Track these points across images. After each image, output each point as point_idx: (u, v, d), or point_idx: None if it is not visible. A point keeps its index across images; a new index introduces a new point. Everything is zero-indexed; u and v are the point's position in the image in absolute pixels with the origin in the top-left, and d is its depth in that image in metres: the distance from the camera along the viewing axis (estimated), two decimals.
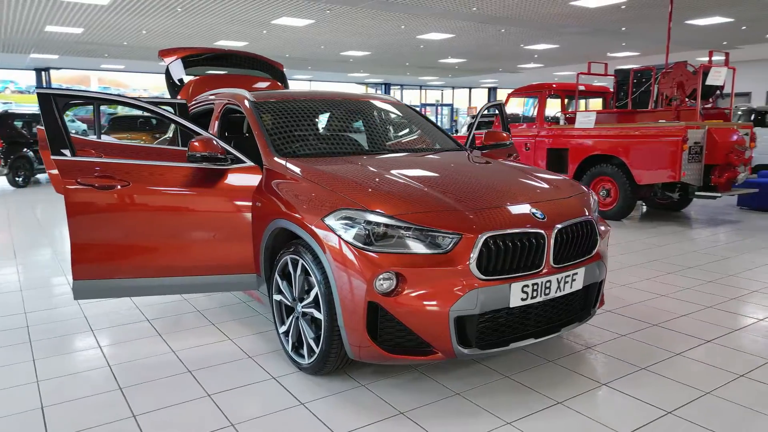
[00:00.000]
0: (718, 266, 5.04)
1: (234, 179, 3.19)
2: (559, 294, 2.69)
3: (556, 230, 2.65)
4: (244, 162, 3.25)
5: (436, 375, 2.85)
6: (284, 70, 6.24)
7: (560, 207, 2.81)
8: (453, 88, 34.65)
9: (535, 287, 2.58)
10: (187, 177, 3.14)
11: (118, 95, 3.21)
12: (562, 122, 8.98)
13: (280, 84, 6.01)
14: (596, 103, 10.42)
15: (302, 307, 2.81)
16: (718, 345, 3.23)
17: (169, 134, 5.67)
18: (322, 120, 3.99)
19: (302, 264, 2.76)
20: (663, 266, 5.06)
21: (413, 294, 2.40)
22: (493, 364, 2.98)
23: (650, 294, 4.23)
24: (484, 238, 2.45)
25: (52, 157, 2.99)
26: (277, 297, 3.06)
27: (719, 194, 7.26)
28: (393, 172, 3.02)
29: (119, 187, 3.05)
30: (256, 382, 2.80)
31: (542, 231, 2.60)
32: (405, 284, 2.40)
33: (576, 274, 2.76)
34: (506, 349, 2.58)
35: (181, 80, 5.50)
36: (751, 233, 6.68)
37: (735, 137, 7.39)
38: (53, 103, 3.04)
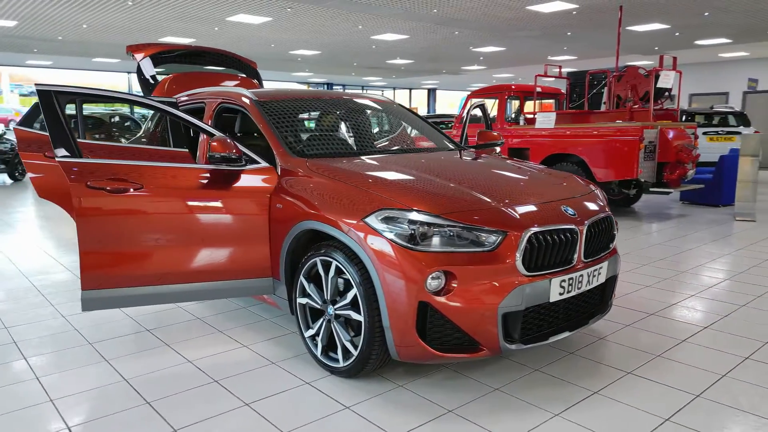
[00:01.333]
0: (687, 257, 5.38)
1: (249, 180, 3.09)
2: (588, 288, 2.79)
3: (586, 226, 2.75)
4: (259, 163, 3.16)
5: (468, 372, 2.88)
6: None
7: (585, 203, 2.92)
8: (394, 88, 34.89)
9: (571, 282, 2.67)
10: (201, 179, 3.01)
11: (127, 94, 3.03)
12: (522, 122, 9.27)
13: (255, 83, 5.86)
14: (548, 105, 10.81)
15: (336, 309, 2.77)
16: (716, 330, 3.45)
17: (143, 133, 5.40)
18: (331, 119, 3.93)
19: (336, 266, 2.72)
20: (636, 259, 5.34)
21: (463, 292, 2.42)
22: (519, 358, 3.05)
23: (635, 285, 4.45)
24: (528, 234, 2.51)
25: (58, 159, 2.79)
26: (302, 300, 2.99)
27: (671, 190, 7.74)
28: (419, 170, 3.03)
29: (132, 190, 2.88)
30: (291, 388, 2.73)
31: (575, 227, 2.69)
32: (454, 282, 2.42)
33: (601, 268, 2.87)
34: (545, 343, 2.65)
35: (154, 77, 5.25)
36: (704, 226, 7.15)
37: (684, 136, 7.90)
38: (55, 100, 2.83)
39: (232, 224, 3.06)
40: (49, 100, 2.82)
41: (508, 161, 3.59)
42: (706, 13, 10.22)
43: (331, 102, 3.94)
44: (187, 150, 3.96)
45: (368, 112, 4.05)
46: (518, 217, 2.57)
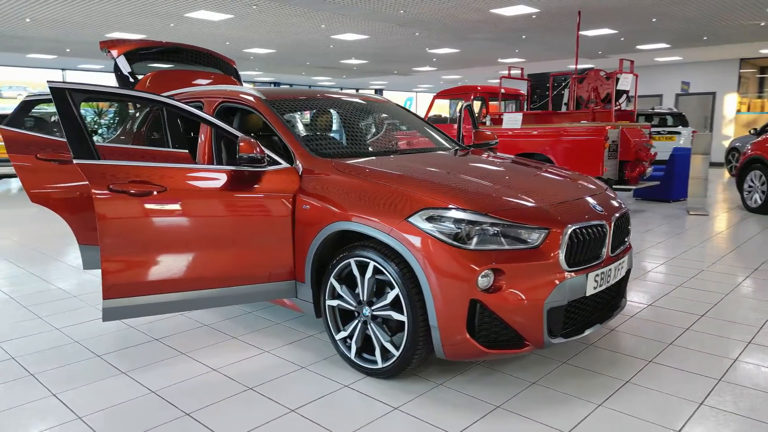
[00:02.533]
0: (661, 250, 5.67)
1: (271, 182, 3.02)
2: (614, 281, 2.91)
3: (614, 221, 2.86)
4: (280, 164, 3.09)
5: (500, 368, 2.93)
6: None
7: (607, 200, 3.04)
8: (341, 88, 34.80)
9: (602, 276, 2.77)
10: (223, 180, 2.91)
11: (146, 93, 2.88)
12: (488, 123, 9.48)
13: (236, 81, 5.71)
14: (494, 106, 11.09)
15: (374, 310, 2.75)
16: (712, 318, 3.67)
17: (121, 133, 5.14)
18: (343, 119, 3.89)
19: (374, 266, 2.70)
20: None
21: (512, 289, 2.46)
22: (543, 352, 3.13)
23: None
24: (570, 231, 2.59)
25: (76, 161, 2.62)
26: (332, 303, 2.95)
27: (633, 187, 8.15)
28: (447, 170, 3.05)
29: (155, 193, 2.75)
30: (331, 392, 2.69)
31: (605, 222, 2.79)
32: (503, 280, 2.46)
33: (623, 262, 2.99)
34: (582, 336, 2.73)
35: (133, 75, 5.01)
36: (664, 220, 7.56)
37: (642, 136, 8.33)
38: (69, 99, 2.66)
39: (256, 227, 2.97)
40: (64, 98, 2.64)
41: (522, 160, 3.67)
42: (654, 19, 10.80)
43: (340, 102, 3.90)
44: (187, 151, 3.82)
45: (375, 112, 4.04)
46: (558, 214, 2.64)
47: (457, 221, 2.50)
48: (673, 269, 4.91)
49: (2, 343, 3.33)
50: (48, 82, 2.66)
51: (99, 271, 4.91)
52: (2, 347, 3.27)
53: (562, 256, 2.55)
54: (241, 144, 2.87)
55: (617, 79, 8.20)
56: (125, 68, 5.04)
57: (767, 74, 22.88)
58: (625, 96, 8.67)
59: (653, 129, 14.28)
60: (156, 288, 2.79)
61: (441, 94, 9.73)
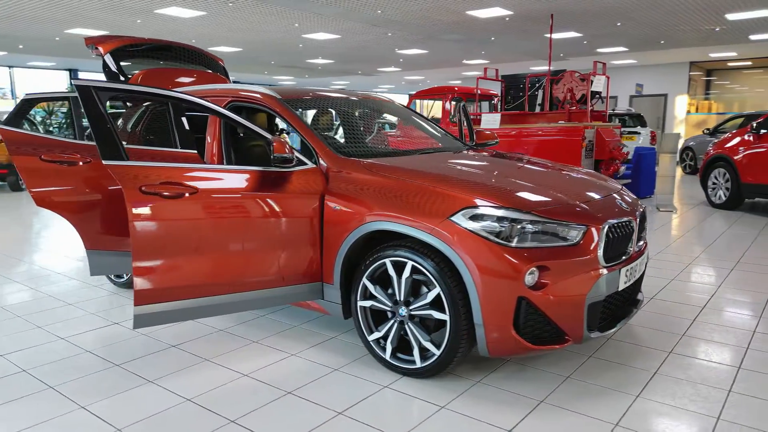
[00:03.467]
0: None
1: (298, 182, 2.98)
2: (638, 276, 3.01)
3: (638, 218, 2.96)
4: (306, 164, 3.05)
5: (532, 364, 2.98)
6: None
7: (627, 198, 3.14)
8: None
9: (630, 271, 2.86)
10: (252, 181, 2.85)
11: (174, 92, 2.79)
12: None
13: (226, 79, 5.59)
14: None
15: (412, 309, 2.75)
16: (713, 309, 3.84)
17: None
18: (360, 119, 3.86)
19: (412, 265, 2.70)
20: None
21: (556, 285, 2.51)
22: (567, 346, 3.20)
23: None
24: (607, 227, 2.66)
25: (105, 162, 2.51)
26: (365, 303, 2.93)
27: None
28: (478, 169, 3.08)
29: (187, 195, 2.67)
30: (373, 393, 2.67)
31: (632, 219, 2.89)
32: (548, 276, 2.50)
33: (644, 257, 3.10)
34: (614, 330, 2.81)
35: (123, 72, 4.83)
36: None
37: (614, 136, 8.62)
38: (96, 97, 2.55)
39: (285, 228, 2.93)
40: (90, 97, 2.53)
41: (541, 160, 3.74)
42: (619, 24, 11.20)
43: (353, 101, 3.88)
44: (195, 152, 3.71)
45: (385, 111, 4.03)
46: (594, 211, 2.72)
47: (500, 219, 2.53)
48: (662, 263, 5.11)
49: (7, 356, 3.15)
50: (73, 80, 2.54)
51: (90, 276, 4.71)
52: (9, 360, 3.10)
53: (600, 252, 2.62)
54: (275, 144, 2.82)
55: (591, 81, 8.46)
56: (113, 66, 4.85)
57: (713, 77, 24.07)
58: (598, 97, 8.96)
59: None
60: (189, 292, 2.71)
61: (419, 95, 9.79)
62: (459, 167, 3.10)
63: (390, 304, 2.84)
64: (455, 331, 2.60)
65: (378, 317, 2.96)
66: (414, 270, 2.70)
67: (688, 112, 21.51)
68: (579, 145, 7.90)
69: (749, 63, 22.25)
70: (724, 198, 8.67)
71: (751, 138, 8.20)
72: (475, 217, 2.54)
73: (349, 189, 2.94)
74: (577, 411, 2.48)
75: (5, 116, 3.45)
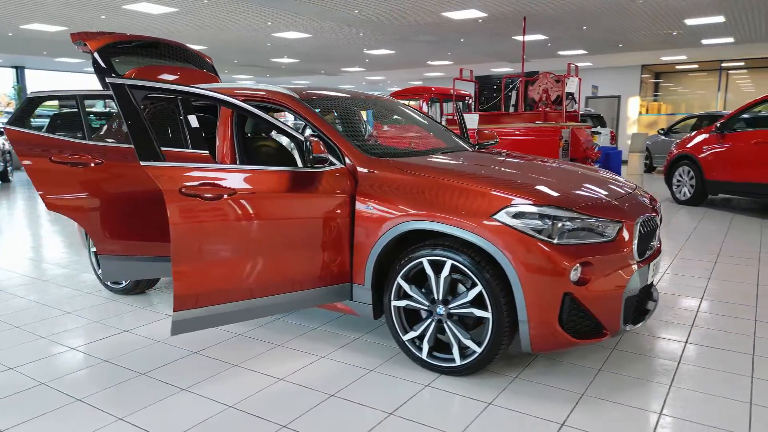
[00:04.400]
0: None
1: (330, 182, 2.95)
2: (658, 271, 3.13)
3: (659, 213, 3.08)
4: (335, 164, 3.02)
5: (561, 358, 3.05)
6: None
7: (645, 195, 3.25)
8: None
9: (656, 265, 2.97)
10: (286, 182, 2.81)
11: (210, 90, 2.70)
12: (443, 123, 9.70)
13: (217, 78, 5.46)
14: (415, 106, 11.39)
15: (451, 308, 2.76)
16: (711, 300, 4.03)
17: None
18: (377, 119, 3.84)
19: (452, 264, 2.72)
20: None
21: (597, 280, 2.58)
22: None
23: None
24: (639, 223, 2.75)
25: (144, 163, 2.42)
26: (399, 303, 2.93)
27: None
28: (508, 168, 3.13)
29: (225, 196, 2.60)
30: (416, 392, 2.67)
31: (655, 215, 3.00)
32: (590, 272, 2.57)
33: (662, 253, 3.23)
34: (643, 323, 2.91)
35: (113, 69, 4.64)
36: None
37: (586, 135, 8.92)
38: (131, 96, 2.45)
39: (317, 229, 2.90)
40: (126, 95, 2.43)
41: (556, 160, 3.83)
42: (585, 27, 11.56)
43: (368, 102, 3.87)
44: (207, 152, 3.61)
45: (397, 112, 4.03)
46: (626, 207, 2.81)
47: (542, 217, 2.58)
48: None
49: (18, 369, 2.99)
50: (107, 78, 2.43)
51: (80, 282, 4.51)
52: (21, 373, 2.93)
53: (635, 247, 2.72)
54: (313, 144, 2.78)
55: (566, 83, 8.71)
56: (102, 63, 4.66)
57: (661, 79, 25.18)
58: (571, 98, 9.22)
59: None
60: (227, 296, 2.64)
61: (396, 95, 9.82)
62: (487, 166, 3.14)
63: (427, 304, 2.85)
64: (497, 329, 2.64)
65: (409, 317, 2.96)
66: (452, 269, 2.72)
67: (640, 113, 22.43)
68: (557, 145, 8.12)
69: (695, 66, 23.40)
70: (688, 195, 9.08)
71: (715, 137, 8.62)
72: (518, 215, 2.59)
73: (382, 189, 2.93)
74: (619, 402, 2.56)
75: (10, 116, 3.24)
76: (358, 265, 3.02)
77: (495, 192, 2.68)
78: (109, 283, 4.24)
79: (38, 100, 3.39)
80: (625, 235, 2.70)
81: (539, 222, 2.57)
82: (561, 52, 16.54)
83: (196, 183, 2.52)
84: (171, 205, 2.44)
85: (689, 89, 24.85)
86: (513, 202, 2.61)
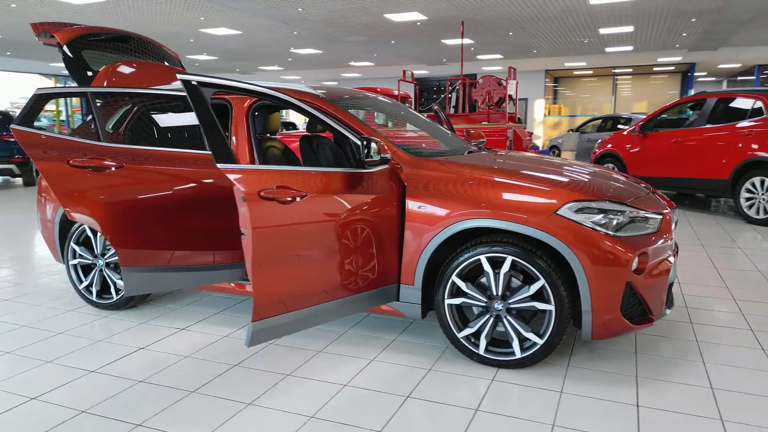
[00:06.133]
0: None
1: (380, 183, 2.94)
2: None
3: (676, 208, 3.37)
4: (383, 164, 3.00)
5: (597, 344, 3.24)
6: None
7: (657, 192, 3.54)
8: None
9: (677, 256, 3.25)
10: (345, 183, 2.76)
11: (280, 89, 2.56)
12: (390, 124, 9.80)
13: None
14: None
15: (511, 303, 2.84)
16: (691, 296, 4.46)
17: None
18: (403, 119, 3.82)
19: (512, 260, 2.80)
20: None
21: (651, 269, 2.78)
22: None
23: None
24: (673, 215, 3.00)
25: (220, 166, 2.27)
26: (454, 301, 2.96)
27: None
28: (546, 165, 3.27)
29: (298, 199, 2.50)
30: (488, 387, 2.72)
31: (675, 209, 3.28)
32: (645, 261, 2.76)
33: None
34: (673, 310, 3.16)
35: (86, 64, 4.24)
36: None
37: (526, 135, 9.42)
38: (203, 95, 2.29)
39: (375, 230, 2.87)
40: (198, 94, 2.26)
41: (565, 159, 4.02)
42: (511, 33, 12.18)
43: (386, 103, 3.86)
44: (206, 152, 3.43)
45: (406, 113, 4.05)
46: (658, 202, 3.04)
47: (601, 211, 2.73)
48: None
49: (40, 398, 2.66)
50: (177, 74, 2.25)
51: (54, 299, 4.08)
52: (47, 402, 2.62)
53: (673, 237, 2.96)
54: (380, 144, 2.74)
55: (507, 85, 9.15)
56: (73, 57, 4.24)
57: (559, 84, 27.09)
58: (509, 100, 9.69)
59: None
60: (301, 302, 2.54)
61: None
62: (524, 165, 3.25)
63: (485, 300, 2.91)
64: (559, 320, 2.76)
65: (462, 314, 3.02)
66: (515, 264, 2.80)
67: (545, 114, 23.98)
68: (504, 144, 8.50)
69: (591, 72, 25.42)
70: None
71: (636, 137, 9.45)
72: (580, 210, 2.72)
73: (436, 188, 2.94)
74: (672, 380, 2.77)
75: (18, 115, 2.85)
76: (408, 265, 3.02)
77: (554, 189, 2.80)
78: (94, 298, 3.88)
79: (46, 97, 3.03)
80: (665, 226, 2.93)
81: (598, 216, 2.72)
82: (480, 56, 17.27)
83: (272, 186, 2.40)
84: (252, 209, 2.30)
85: (584, 93, 26.97)
86: (574, 198, 2.74)
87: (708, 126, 7.88)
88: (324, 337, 3.37)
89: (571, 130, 17.17)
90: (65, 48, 4.20)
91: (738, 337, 3.34)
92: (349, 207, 2.74)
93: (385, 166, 2.99)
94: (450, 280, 2.95)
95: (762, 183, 7.10)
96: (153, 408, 2.55)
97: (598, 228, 2.69)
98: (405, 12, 9.69)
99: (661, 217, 2.91)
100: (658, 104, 25.83)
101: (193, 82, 2.24)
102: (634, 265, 2.71)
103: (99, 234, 3.74)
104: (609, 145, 10.10)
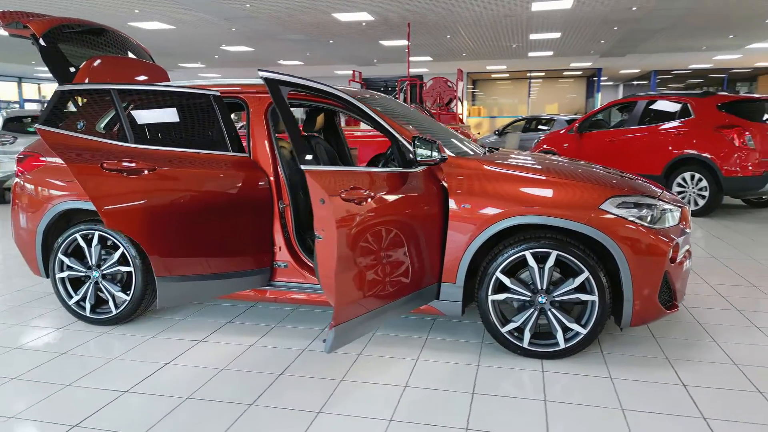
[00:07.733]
0: None
1: (428, 182, 2.98)
2: None
3: None
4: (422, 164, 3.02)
5: (634, 332, 3.44)
6: None
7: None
8: None
9: None
10: (401, 183, 2.76)
11: (349, 95, 2.48)
12: (343, 124, 9.73)
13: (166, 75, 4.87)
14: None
15: (556, 296, 2.96)
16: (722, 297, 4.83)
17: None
18: (422, 120, 3.81)
19: (556, 255, 2.92)
20: None
21: (680, 259, 3.01)
22: None
23: None
24: (686, 209, 3.26)
25: (305, 167, 2.19)
26: (498, 297, 3.03)
27: None
28: (571, 164, 3.42)
29: (369, 200, 2.46)
30: (542, 379, 2.82)
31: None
32: (677, 251, 2.98)
33: None
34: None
35: (65, 58, 3.88)
36: None
37: (472, 135, 9.74)
38: (282, 94, 2.20)
39: (424, 229, 2.88)
40: (278, 93, 2.16)
41: (580, 160, 4.20)
42: (448, 36, 12.51)
43: (398, 103, 3.86)
44: (248, 156, 3.29)
45: (410, 113, 4.07)
46: (673, 197, 3.29)
47: (638, 206, 2.92)
48: None
49: (81, 425, 2.43)
50: (259, 70, 2.13)
51: (35, 318, 3.70)
52: (89, 428, 2.39)
53: (690, 229, 3.21)
54: (439, 143, 2.75)
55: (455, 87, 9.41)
56: (51, 49, 3.87)
57: (477, 87, 28.16)
58: (456, 101, 9.97)
59: None
60: (373, 303, 2.50)
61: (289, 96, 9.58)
62: (552, 164, 3.39)
63: (529, 294, 3.01)
64: (602, 310, 2.91)
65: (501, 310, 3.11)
66: (560, 259, 2.92)
67: (468, 116, 24.83)
68: None
69: (507, 75, 26.66)
70: None
71: (573, 137, 10.07)
72: (621, 205, 2.89)
73: (480, 186, 3.00)
74: (700, 360, 3.02)
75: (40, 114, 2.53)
76: (450, 263, 3.06)
77: (595, 186, 2.95)
78: (88, 314, 3.57)
79: (69, 94, 2.73)
80: (684, 218, 3.18)
81: (637, 210, 2.90)
82: (412, 58, 17.56)
83: (348, 188, 2.35)
84: (335, 210, 2.24)
85: (500, 95, 28.26)
86: (614, 194, 2.91)
87: (641, 126, 8.55)
88: (358, 340, 3.32)
89: (496, 131, 17.91)
90: (41, 41, 3.83)
91: (732, 317, 3.68)
92: (406, 206, 2.74)
93: (424, 167, 3.00)
94: (494, 277, 3.01)
95: (692, 177, 7.81)
96: (219, 425, 2.41)
97: (638, 221, 2.87)
98: (354, 12, 9.69)
99: (680, 210, 3.15)
100: (566, 106, 27.58)
101: (278, 80, 2.14)
102: (671, 254, 2.92)
103: (93, 244, 3.45)
104: (545, 145, 10.69)
